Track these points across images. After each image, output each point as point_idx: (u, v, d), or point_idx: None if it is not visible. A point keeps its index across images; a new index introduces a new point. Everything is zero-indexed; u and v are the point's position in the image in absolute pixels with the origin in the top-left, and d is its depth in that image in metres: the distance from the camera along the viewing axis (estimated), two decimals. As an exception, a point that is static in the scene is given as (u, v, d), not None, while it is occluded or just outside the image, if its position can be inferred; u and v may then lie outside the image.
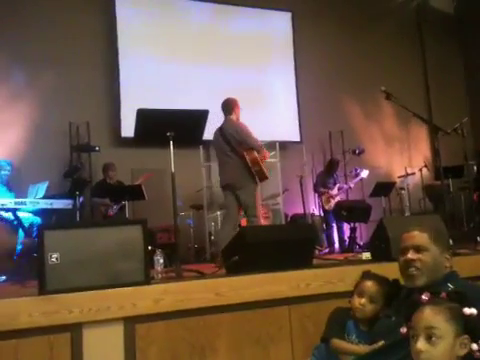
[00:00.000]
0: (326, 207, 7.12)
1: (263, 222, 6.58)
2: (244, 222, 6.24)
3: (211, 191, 7.66)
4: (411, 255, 2.03)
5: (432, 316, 1.52)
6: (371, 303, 2.24)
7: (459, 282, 1.98)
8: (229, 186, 4.85)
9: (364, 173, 7.31)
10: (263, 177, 4.85)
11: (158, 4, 7.99)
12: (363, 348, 2.15)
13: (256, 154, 4.77)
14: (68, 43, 7.25)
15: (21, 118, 6.90)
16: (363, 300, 2.26)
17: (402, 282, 2.14)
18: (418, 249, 2.03)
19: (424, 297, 1.60)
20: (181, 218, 6.73)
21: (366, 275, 2.36)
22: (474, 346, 1.47)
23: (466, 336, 1.48)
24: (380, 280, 2.30)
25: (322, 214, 7.64)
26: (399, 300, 2.11)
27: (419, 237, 2.05)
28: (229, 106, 5.05)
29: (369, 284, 2.28)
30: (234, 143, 4.79)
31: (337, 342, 2.23)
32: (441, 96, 9.86)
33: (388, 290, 2.24)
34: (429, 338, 1.50)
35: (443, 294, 1.61)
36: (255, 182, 4.79)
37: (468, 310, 1.48)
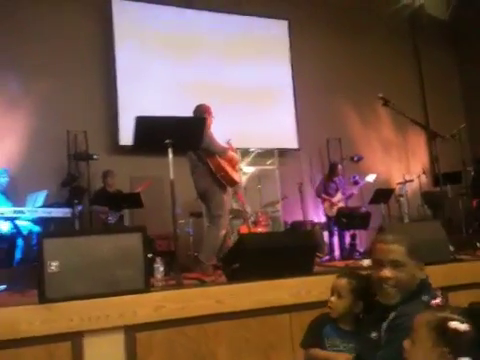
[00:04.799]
0: (329, 214, 7.12)
1: (262, 230, 6.58)
2: (244, 229, 6.25)
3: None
4: (388, 272, 1.95)
5: (418, 321, 1.55)
6: (340, 298, 2.22)
7: (430, 293, 1.94)
8: (201, 196, 4.75)
9: (370, 177, 7.26)
10: (231, 182, 4.68)
11: (156, 12, 8.00)
12: (335, 355, 2.15)
13: (219, 159, 4.60)
14: (65, 51, 7.24)
15: (18, 127, 6.88)
16: (333, 298, 2.24)
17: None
18: (395, 265, 1.95)
19: (433, 301, 1.60)
20: (180, 226, 6.71)
21: (339, 273, 2.36)
22: None
23: (446, 349, 1.46)
24: (349, 275, 2.28)
25: (323, 221, 7.64)
26: (376, 315, 2.06)
27: (396, 252, 1.96)
28: (198, 114, 4.77)
29: (337, 280, 2.28)
30: (200, 151, 4.56)
31: (312, 351, 2.22)
32: (437, 102, 9.89)
33: (357, 285, 2.21)
34: (412, 340, 1.55)
35: (438, 301, 1.61)
36: (223, 189, 4.64)
37: (453, 324, 1.45)
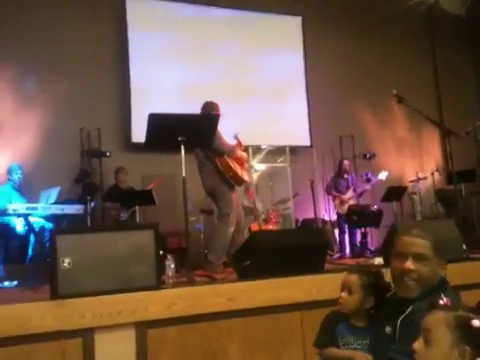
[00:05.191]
0: (339, 211, 7.08)
1: (273, 227, 6.57)
2: (255, 226, 6.25)
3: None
4: (410, 265, 1.92)
5: (432, 320, 1.51)
6: (350, 294, 2.20)
7: (449, 291, 1.93)
8: (209, 194, 4.72)
9: (382, 175, 7.19)
10: (240, 181, 4.66)
11: (168, 10, 8.01)
12: (352, 353, 2.12)
13: (227, 159, 4.53)
14: (79, 49, 7.28)
15: (33, 124, 6.94)
16: (343, 293, 2.23)
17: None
18: (419, 258, 1.93)
19: (441, 301, 1.58)
20: (191, 223, 6.72)
21: (349, 269, 2.34)
22: None
23: (467, 348, 1.43)
24: (359, 271, 2.26)
25: (334, 218, 7.60)
26: (391, 310, 2.04)
27: (421, 245, 1.94)
28: (206, 111, 4.69)
29: (347, 276, 2.26)
30: (208, 150, 4.50)
31: (328, 351, 2.20)
32: (452, 100, 9.78)
33: (367, 280, 2.20)
34: (426, 340, 1.50)
35: (446, 300, 1.58)
36: (232, 188, 4.62)
37: (477, 322, 1.43)
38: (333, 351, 2.18)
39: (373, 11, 9.18)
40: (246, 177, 4.76)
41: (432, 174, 8.35)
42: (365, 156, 7.98)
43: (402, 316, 1.93)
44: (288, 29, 8.89)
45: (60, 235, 2.62)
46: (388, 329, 1.99)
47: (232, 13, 8.43)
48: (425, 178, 8.41)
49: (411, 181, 8.51)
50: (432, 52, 10.21)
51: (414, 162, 9.50)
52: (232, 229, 4.52)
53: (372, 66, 9.21)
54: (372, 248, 6.76)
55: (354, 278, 2.22)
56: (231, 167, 4.52)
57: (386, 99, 8.20)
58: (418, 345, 1.52)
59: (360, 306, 2.19)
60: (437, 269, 1.95)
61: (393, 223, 3.72)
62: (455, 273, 3.14)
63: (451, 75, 9.96)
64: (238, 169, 4.60)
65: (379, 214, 6.63)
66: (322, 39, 8.92)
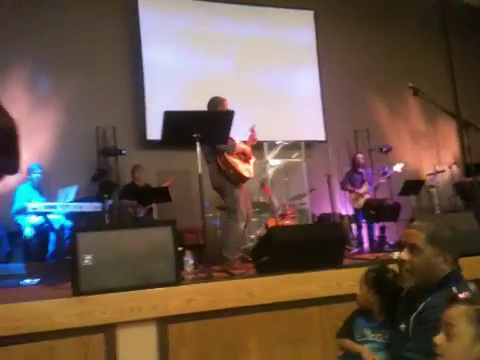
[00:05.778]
0: (355, 206, 7.04)
1: (290, 222, 6.56)
2: (271, 222, 6.25)
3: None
4: (403, 255, 2.00)
5: (454, 314, 1.50)
6: (361, 289, 2.31)
7: (461, 284, 1.90)
8: (216, 190, 4.68)
9: (398, 166, 7.10)
10: (241, 179, 4.56)
11: (181, 6, 8.03)
12: (358, 347, 2.20)
13: (227, 157, 4.47)
14: (92, 48, 7.33)
15: (48, 124, 7.01)
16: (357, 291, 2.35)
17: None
18: (412, 249, 1.98)
19: (460, 295, 1.57)
20: (208, 219, 6.72)
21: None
22: None
23: None
24: (370, 267, 2.38)
25: (351, 213, 7.57)
26: (405, 307, 2.06)
27: (415, 236, 1.99)
28: (213, 106, 4.66)
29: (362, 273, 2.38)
30: (210, 147, 4.46)
31: (342, 342, 2.30)
32: (469, 92, 9.66)
33: (370, 275, 2.31)
34: (448, 334, 1.49)
35: (465, 293, 1.57)
36: (236, 185, 4.55)
37: None
38: (347, 343, 2.28)
39: (386, 3, 9.09)
40: (249, 174, 4.65)
41: (450, 167, 8.27)
42: (381, 150, 7.92)
43: (415, 313, 1.94)
44: (301, 23, 8.85)
45: (81, 232, 2.65)
46: (402, 326, 2.01)
47: (244, 8, 8.41)
48: (443, 171, 8.32)
49: (428, 174, 8.43)
50: (446, 43, 10.08)
51: (431, 155, 9.40)
52: (243, 224, 4.52)
53: (386, 59, 9.14)
54: (391, 242, 6.71)
55: (362, 273, 2.35)
56: (231, 165, 4.46)
57: (401, 92, 8.15)
58: (439, 339, 1.51)
59: (367, 300, 2.27)
60: (434, 261, 1.95)
61: (411, 217, 3.69)
62: (475, 266, 3.13)
63: (466, 66, 9.83)
64: (240, 166, 4.53)
65: (397, 208, 6.58)
66: (335, 33, 8.87)
